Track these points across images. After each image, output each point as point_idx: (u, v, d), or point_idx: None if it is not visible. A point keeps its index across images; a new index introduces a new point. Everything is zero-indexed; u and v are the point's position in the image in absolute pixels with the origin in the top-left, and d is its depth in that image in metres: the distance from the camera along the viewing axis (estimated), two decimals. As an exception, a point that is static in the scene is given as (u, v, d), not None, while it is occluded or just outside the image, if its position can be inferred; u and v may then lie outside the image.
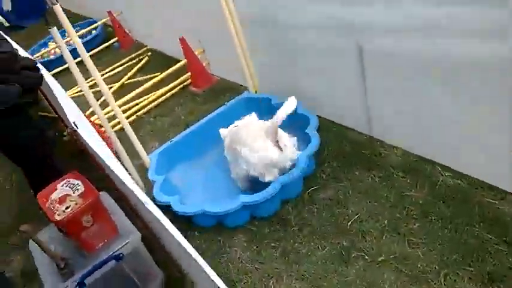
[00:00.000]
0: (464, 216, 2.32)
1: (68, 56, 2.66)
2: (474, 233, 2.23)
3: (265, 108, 3.22)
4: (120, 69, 5.41)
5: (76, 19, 7.63)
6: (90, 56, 5.84)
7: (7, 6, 9.95)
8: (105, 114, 4.01)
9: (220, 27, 3.27)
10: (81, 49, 2.74)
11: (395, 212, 2.48)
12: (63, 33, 6.98)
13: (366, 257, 2.32)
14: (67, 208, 2.34)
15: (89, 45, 6.35)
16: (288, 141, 2.71)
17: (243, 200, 2.58)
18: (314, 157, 2.90)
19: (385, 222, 2.45)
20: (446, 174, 2.55)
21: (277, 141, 2.67)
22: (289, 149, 2.68)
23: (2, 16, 9.52)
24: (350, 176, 2.78)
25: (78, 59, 2.79)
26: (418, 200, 2.49)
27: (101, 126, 3.94)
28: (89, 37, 6.51)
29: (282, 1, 2.86)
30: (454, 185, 2.49)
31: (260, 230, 2.66)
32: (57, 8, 2.61)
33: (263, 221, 2.70)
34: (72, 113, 2.09)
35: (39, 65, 2.77)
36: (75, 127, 1.94)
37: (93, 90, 3.99)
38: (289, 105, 2.68)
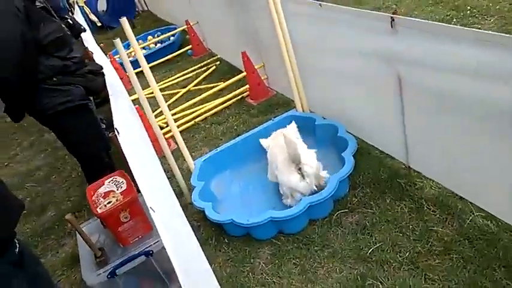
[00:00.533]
0: (486, 259, 2.27)
1: (129, 68, 2.92)
2: (493, 277, 2.18)
3: (309, 128, 3.32)
4: (190, 75, 5.73)
5: (161, 24, 8.16)
6: (166, 60, 6.33)
7: (102, 6, 10.78)
8: (162, 120, 4.32)
9: (278, 46, 3.41)
10: (141, 60, 2.98)
11: (418, 246, 2.47)
12: (145, 37, 7.50)
13: (380, 286, 2.34)
14: (109, 203, 2.59)
15: (166, 50, 6.79)
16: (311, 168, 2.78)
17: (270, 215, 2.69)
18: (349, 180, 2.96)
19: (406, 254, 2.45)
20: (477, 213, 2.50)
21: (299, 168, 2.77)
22: (311, 178, 2.77)
23: (95, 16, 10.34)
24: (380, 203, 2.80)
25: (151, 64, 3.02)
26: (443, 236, 2.46)
27: (161, 128, 4.24)
28: (166, 42, 6.93)
29: (329, 30, 2.95)
30: (482, 225, 2.44)
31: (284, 246, 2.76)
32: (124, 22, 2.86)
33: (289, 237, 2.80)
34: (118, 119, 2.31)
35: (104, 70, 3.08)
36: (116, 132, 2.16)
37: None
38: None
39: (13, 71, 2.67)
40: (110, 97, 2.59)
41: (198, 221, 3.14)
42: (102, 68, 3.11)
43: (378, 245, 2.55)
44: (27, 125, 5.63)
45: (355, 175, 2.99)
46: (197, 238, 2.91)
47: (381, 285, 2.34)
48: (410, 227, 2.59)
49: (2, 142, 5.91)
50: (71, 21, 4.20)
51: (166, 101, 4.86)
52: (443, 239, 2.45)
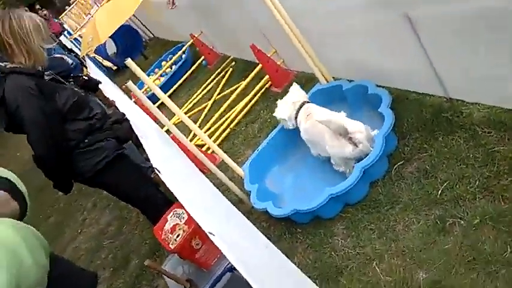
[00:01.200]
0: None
1: (149, 105, 3.00)
2: None
3: (339, 95, 3.28)
4: (211, 85, 5.78)
5: (170, 46, 8.23)
6: (185, 79, 6.41)
7: (111, 49, 11.00)
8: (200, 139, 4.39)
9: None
10: (158, 94, 3.05)
11: (485, 171, 2.39)
12: (159, 64, 7.60)
13: (462, 222, 2.29)
14: (177, 236, 2.67)
15: (182, 69, 6.88)
16: (362, 133, 2.77)
17: (329, 193, 2.69)
18: (395, 132, 2.90)
19: (476, 183, 2.38)
20: (534, 120, 2.39)
21: (350, 138, 2.76)
22: (364, 143, 2.75)
23: (108, 61, 10.58)
24: (434, 143, 2.72)
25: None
26: (508, 154, 2.37)
27: (202, 146, 4.31)
28: (180, 62, 7.01)
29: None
30: (543, 129, 2.33)
31: (355, 216, 2.75)
32: (130, 63, 2.93)
33: (356, 206, 2.78)
34: (154, 158, 2.37)
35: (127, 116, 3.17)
36: (157, 172, 2.22)
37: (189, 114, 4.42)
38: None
39: (46, 146, 2.79)
40: (140, 140, 2.65)
41: (266, 221, 3.18)
42: (124, 115, 3.19)
43: (445, 184, 2.49)
44: (84, 188, 5.86)
45: (399, 125, 2.93)
46: (270, 237, 2.97)
47: (462, 221, 2.29)
48: (471, 155, 2.50)
49: (69, 212, 6.20)
50: (85, 77, 4.34)
51: (197, 119, 5.00)
52: (509, 157, 2.36)
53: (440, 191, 2.48)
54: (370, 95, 3.05)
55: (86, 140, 2.95)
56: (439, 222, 2.37)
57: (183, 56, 7.09)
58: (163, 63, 7.66)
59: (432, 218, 2.42)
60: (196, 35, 6.44)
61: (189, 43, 6.86)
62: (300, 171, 3.31)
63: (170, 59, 7.54)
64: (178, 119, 4.11)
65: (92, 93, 3.86)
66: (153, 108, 3.00)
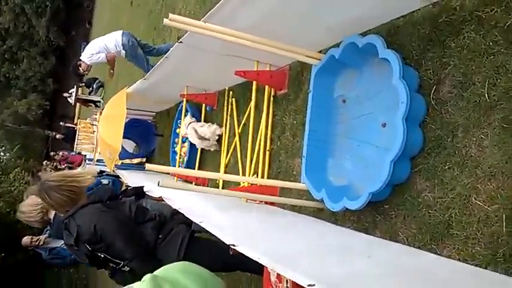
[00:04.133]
0: None
1: (185, 187, 3.01)
2: None
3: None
4: (228, 122, 5.72)
5: (172, 112, 8.29)
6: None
7: (131, 147, 11.10)
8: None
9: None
10: (189, 173, 3.07)
11: (514, 48, 2.24)
12: (175, 134, 7.55)
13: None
14: (287, 282, 2.65)
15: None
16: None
17: (390, 159, 2.60)
18: (409, 65, 2.78)
19: (514, 64, 2.23)
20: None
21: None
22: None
23: (136, 158, 10.69)
24: (450, 52, 2.56)
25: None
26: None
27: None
28: (192, 120, 6.99)
29: None
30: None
31: (427, 164, 2.64)
32: (149, 166, 2.97)
33: (421, 154, 2.67)
34: (224, 235, 2.38)
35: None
36: (234, 246, 2.22)
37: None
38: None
39: (134, 249, 2.98)
40: (202, 225, 2.65)
41: (352, 214, 3.09)
42: (175, 210, 3.26)
43: (486, 84, 2.34)
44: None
45: (407, 56, 2.80)
46: (366, 227, 2.91)
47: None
48: (491, 42, 2.32)
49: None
50: (130, 188, 4.47)
51: (236, 159, 4.99)
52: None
53: (486, 94, 2.34)
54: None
55: (160, 236, 3.12)
56: (505, 125, 2.24)
57: (188, 114, 7.10)
58: (178, 130, 7.69)
59: (496, 124, 2.28)
60: (184, 93, 6.49)
61: (184, 102, 6.89)
62: (351, 149, 3.20)
63: (180, 123, 7.56)
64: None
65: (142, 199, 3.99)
66: (194, 188, 3.04)
